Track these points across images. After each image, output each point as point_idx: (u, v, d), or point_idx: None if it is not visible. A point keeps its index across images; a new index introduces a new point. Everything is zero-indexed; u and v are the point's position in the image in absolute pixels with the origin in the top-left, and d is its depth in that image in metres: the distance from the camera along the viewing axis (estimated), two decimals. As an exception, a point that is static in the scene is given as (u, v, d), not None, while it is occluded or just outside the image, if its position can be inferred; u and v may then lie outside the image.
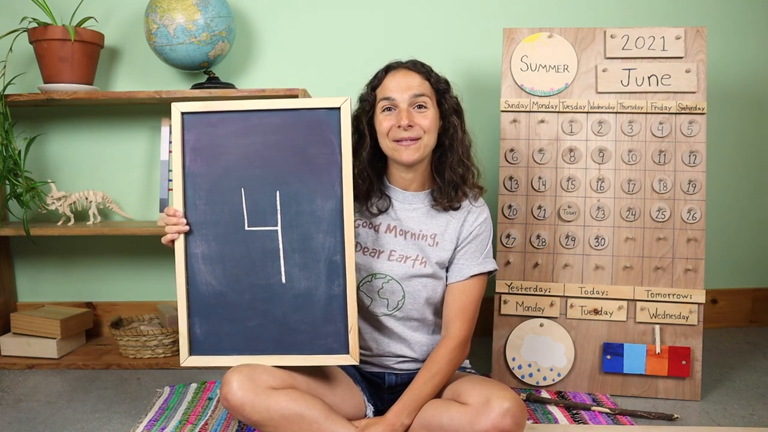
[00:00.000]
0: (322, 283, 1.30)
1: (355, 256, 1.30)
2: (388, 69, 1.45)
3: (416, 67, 1.44)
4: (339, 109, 1.29)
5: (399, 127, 1.37)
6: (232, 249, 1.31)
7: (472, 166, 1.47)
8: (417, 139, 1.38)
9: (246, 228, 1.31)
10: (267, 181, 1.31)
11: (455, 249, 1.45)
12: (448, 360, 1.36)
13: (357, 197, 1.40)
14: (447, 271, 1.46)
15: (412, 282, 1.42)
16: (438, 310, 1.47)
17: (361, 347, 1.41)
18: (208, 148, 1.31)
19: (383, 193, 1.46)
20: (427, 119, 1.39)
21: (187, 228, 1.31)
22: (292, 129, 1.30)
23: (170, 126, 2.11)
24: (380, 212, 1.45)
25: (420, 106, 1.39)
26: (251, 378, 1.23)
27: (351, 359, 1.30)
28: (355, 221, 1.42)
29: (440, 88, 1.44)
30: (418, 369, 1.45)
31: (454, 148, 1.44)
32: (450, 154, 1.44)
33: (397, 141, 1.38)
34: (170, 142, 2.12)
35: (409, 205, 1.46)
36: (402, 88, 1.39)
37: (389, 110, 1.40)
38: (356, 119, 1.45)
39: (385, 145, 1.41)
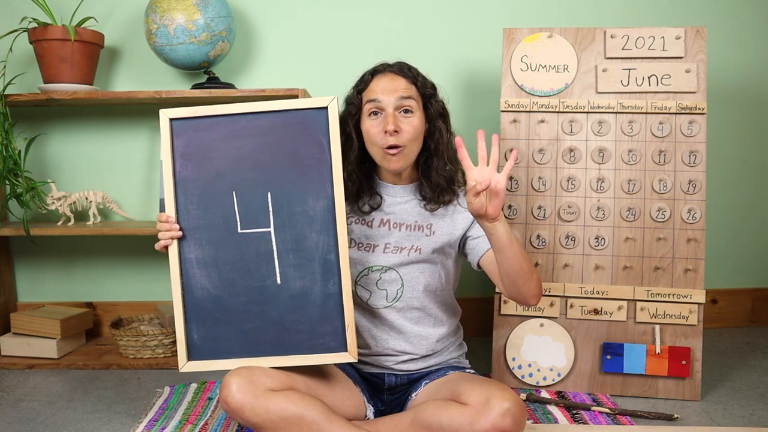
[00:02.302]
0: (318, 282, 1.30)
1: (349, 253, 1.30)
2: (375, 72, 1.45)
3: (403, 71, 1.44)
4: (326, 108, 1.29)
5: (386, 132, 1.38)
6: (226, 252, 1.31)
7: (460, 167, 1.46)
8: (401, 147, 1.38)
9: (239, 231, 1.31)
10: (258, 183, 1.31)
11: (460, 237, 1.45)
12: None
13: (347, 198, 1.41)
14: (471, 249, 1.45)
15: (408, 268, 1.43)
16: (440, 299, 1.47)
17: (359, 345, 1.41)
18: (198, 153, 1.32)
19: (373, 192, 1.48)
20: (412, 125, 1.40)
21: (180, 233, 1.31)
22: (281, 130, 1.31)
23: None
24: (372, 210, 1.46)
25: (406, 111, 1.40)
26: (250, 380, 1.23)
27: (349, 357, 1.30)
28: (348, 218, 1.43)
29: (426, 92, 1.45)
30: (419, 369, 1.46)
31: (439, 151, 1.45)
32: (436, 158, 1.45)
33: (385, 149, 1.39)
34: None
35: (401, 198, 1.47)
36: (388, 90, 1.40)
37: (375, 114, 1.40)
38: (343, 122, 1.45)
39: (374, 152, 1.43)
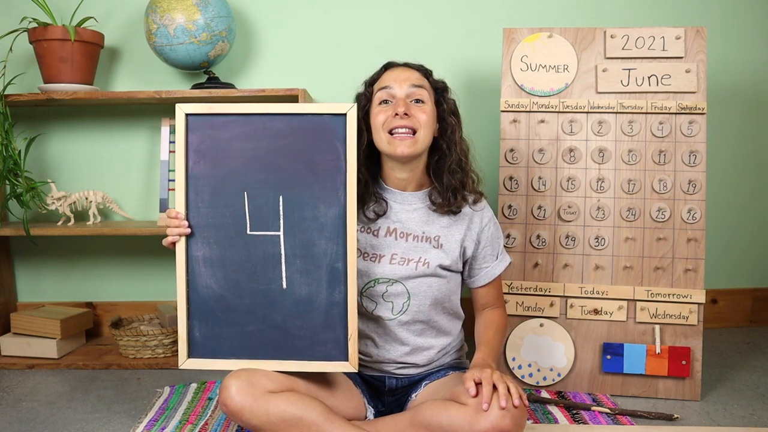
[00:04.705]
0: (323, 290, 1.29)
1: (357, 263, 1.29)
2: (388, 66, 1.45)
3: (415, 65, 1.45)
4: (345, 115, 1.28)
5: (396, 115, 1.35)
6: (234, 253, 1.30)
7: (471, 171, 1.46)
8: (413, 132, 1.36)
9: (248, 232, 1.30)
10: (270, 185, 1.30)
11: (465, 255, 1.45)
12: (505, 321, 1.50)
13: None
14: (469, 276, 1.49)
15: (416, 282, 1.40)
16: (447, 309, 1.46)
17: (361, 353, 1.40)
18: (212, 151, 1.30)
19: (379, 197, 1.44)
20: (425, 113, 1.38)
21: (188, 230, 1.30)
22: (297, 134, 1.29)
23: (171, 126, 2.12)
24: (378, 216, 1.43)
25: (418, 101, 1.38)
26: (250, 383, 1.23)
27: (350, 366, 1.29)
28: None
29: (439, 86, 1.44)
30: (419, 374, 1.45)
31: (451, 150, 1.42)
32: (448, 157, 1.43)
33: (392, 133, 1.37)
34: (171, 143, 2.12)
35: (409, 206, 1.45)
36: (401, 79, 1.39)
37: (386, 103, 1.39)
38: None
39: (380, 138, 1.39)
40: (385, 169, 1.46)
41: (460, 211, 1.44)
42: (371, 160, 1.46)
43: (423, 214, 1.44)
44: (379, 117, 1.39)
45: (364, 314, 1.42)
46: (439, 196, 1.44)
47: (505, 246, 1.77)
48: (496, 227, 1.49)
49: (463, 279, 1.51)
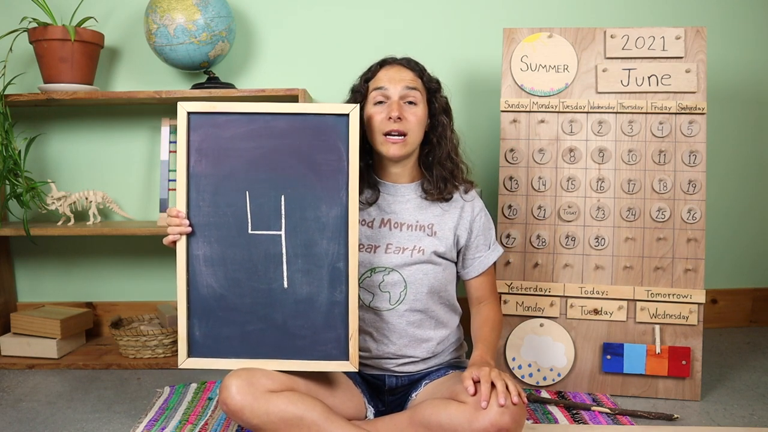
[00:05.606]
0: (324, 290, 1.30)
1: (357, 262, 1.30)
2: (383, 63, 1.48)
3: (410, 64, 1.47)
4: (348, 116, 1.29)
5: (389, 119, 1.39)
6: (235, 252, 1.30)
7: (461, 162, 1.51)
8: (404, 135, 1.40)
9: (249, 231, 1.30)
10: (272, 185, 1.30)
11: (459, 244, 1.48)
12: (500, 316, 1.50)
13: None
14: (463, 267, 1.51)
15: (412, 269, 1.42)
16: (444, 299, 1.47)
17: (360, 348, 1.40)
18: (214, 150, 1.30)
19: (371, 185, 1.48)
20: (416, 116, 1.42)
21: (189, 229, 1.30)
22: (300, 134, 1.30)
23: (171, 126, 2.12)
24: (369, 204, 1.46)
25: (410, 102, 1.42)
26: (250, 382, 1.23)
27: (350, 366, 1.29)
28: None
29: (431, 87, 1.48)
30: (419, 371, 1.45)
31: (441, 145, 1.47)
32: (438, 150, 1.47)
33: (386, 134, 1.40)
34: (171, 143, 2.11)
35: (401, 197, 1.48)
36: (395, 80, 1.42)
37: (380, 103, 1.42)
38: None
39: (374, 138, 1.43)
40: (378, 163, 1.49)
41: (451, 197, 1.48)
42: (365, 150, 1.47)
43: (416, 205, 1.47)
44: (375, 118, 1.42)
45: (361, 307, 1.42)
46: (430, 185, 1.47)
47: (505, 246, 1.78)
48: (487, 217, 1.53)
49: (458, 274, 1.53)
